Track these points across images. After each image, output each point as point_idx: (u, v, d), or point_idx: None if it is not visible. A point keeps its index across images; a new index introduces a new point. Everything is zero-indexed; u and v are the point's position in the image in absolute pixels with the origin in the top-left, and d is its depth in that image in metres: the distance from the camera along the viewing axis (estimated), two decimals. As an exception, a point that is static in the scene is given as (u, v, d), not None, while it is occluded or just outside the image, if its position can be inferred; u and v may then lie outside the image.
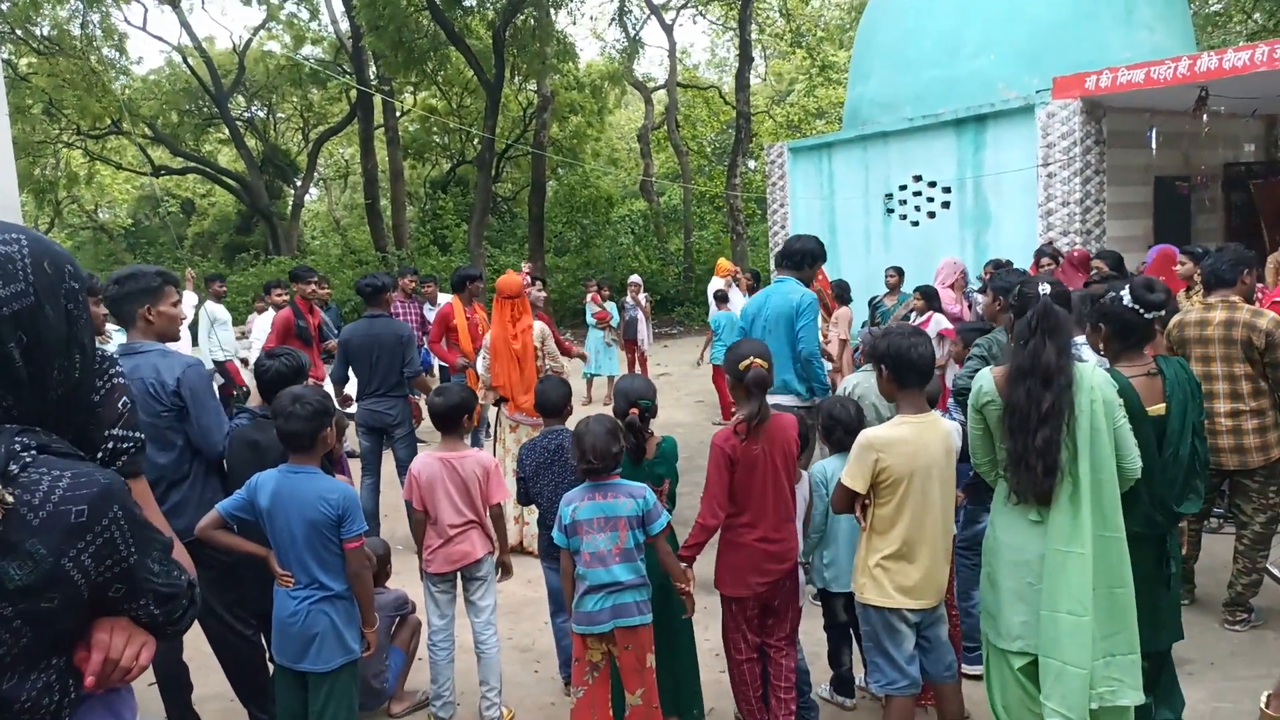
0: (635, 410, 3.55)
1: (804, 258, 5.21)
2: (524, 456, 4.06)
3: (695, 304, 20.86)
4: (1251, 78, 8.07)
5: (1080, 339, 4.52)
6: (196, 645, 3.84)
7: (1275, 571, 4.75)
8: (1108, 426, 2.84)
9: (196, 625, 3.74)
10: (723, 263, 11.24)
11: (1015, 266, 8.33)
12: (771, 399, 4.07)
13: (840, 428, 3.86)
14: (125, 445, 1.60)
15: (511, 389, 6.03)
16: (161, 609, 1.49)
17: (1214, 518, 5.55)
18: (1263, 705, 3.00)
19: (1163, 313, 3.24)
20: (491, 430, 6.69)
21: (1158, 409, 3.19)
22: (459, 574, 3.93)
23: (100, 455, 1.56)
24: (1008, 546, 2.93)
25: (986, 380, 2.96)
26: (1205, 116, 8.78)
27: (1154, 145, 9.16)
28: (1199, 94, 8.57)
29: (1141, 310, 3.18)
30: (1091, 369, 2.91)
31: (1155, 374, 3.24)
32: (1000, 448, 2.94)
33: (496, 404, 6.29)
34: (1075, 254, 8.14)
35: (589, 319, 11.70)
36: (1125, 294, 3.21)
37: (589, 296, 11.91)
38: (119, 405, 1.59)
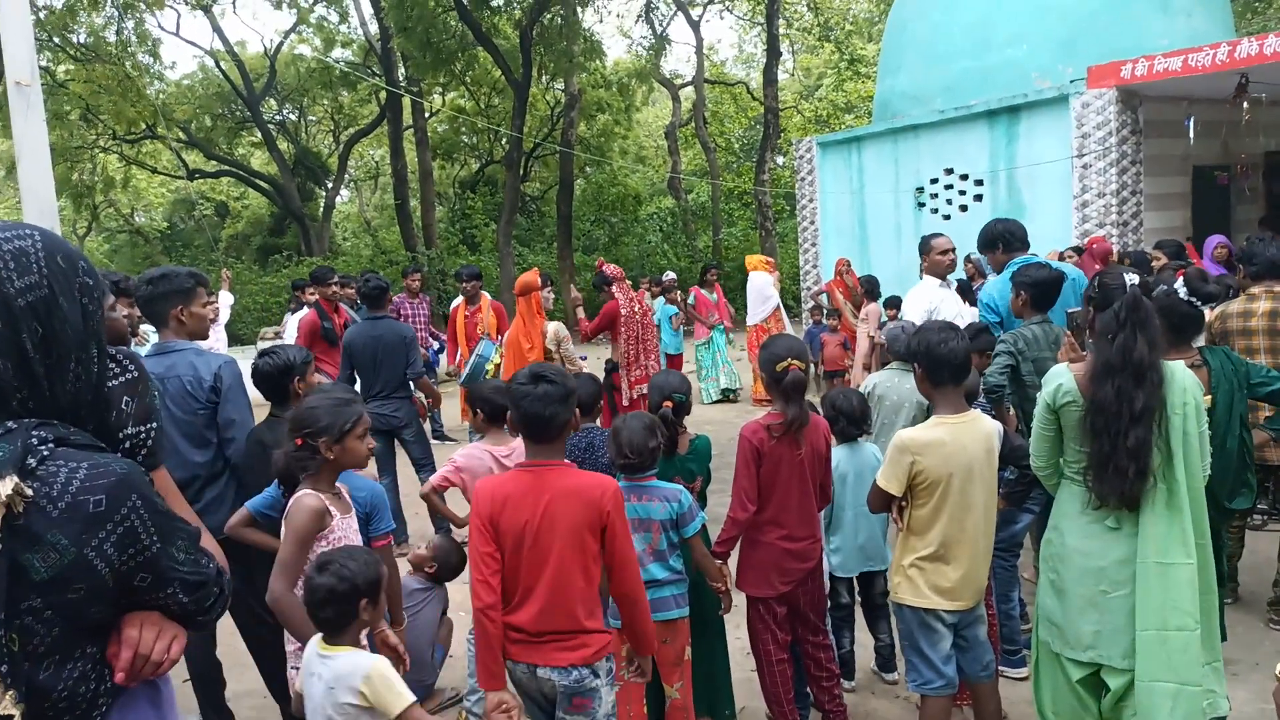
0: (669, 404, 3.54)
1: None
2: None
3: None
4: (1294, 63, 7.89)
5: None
6: (230, 643, 3.88)
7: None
8: (1196, 430, 2.72)
9: (230, 622, 3.79)
10: (758, 259, 11.18)
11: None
12: None
13: (844, 418, 3.87)
14: (141, 437, 1.60)
15: None
16: (190, 597, 1.49)
17: (1258, 514, 5.41)
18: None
19: (1215, 304, 3.18)
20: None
21: (1204, 401, 3.12)
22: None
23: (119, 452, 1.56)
24: (1079, 553, 2.80)
25: (1067, 379, 2.81)
26: (1245, 104, 8.59)
27: (1192, 134, 8.98)
28: (1239, 81, 8.38)
29: (1198, 302, 3.13)
30: (1182, 368, 2.78)
31: (1200, 365, 3.17)
32: (1076, 449, 2.81)
33: None
34: (1096, 246, 7.94)
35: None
36: (1180, 287, 3.13)
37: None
38: (122, 404, 1.59)
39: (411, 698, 2.42)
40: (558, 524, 2.51)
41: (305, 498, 2.79)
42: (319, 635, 2.55)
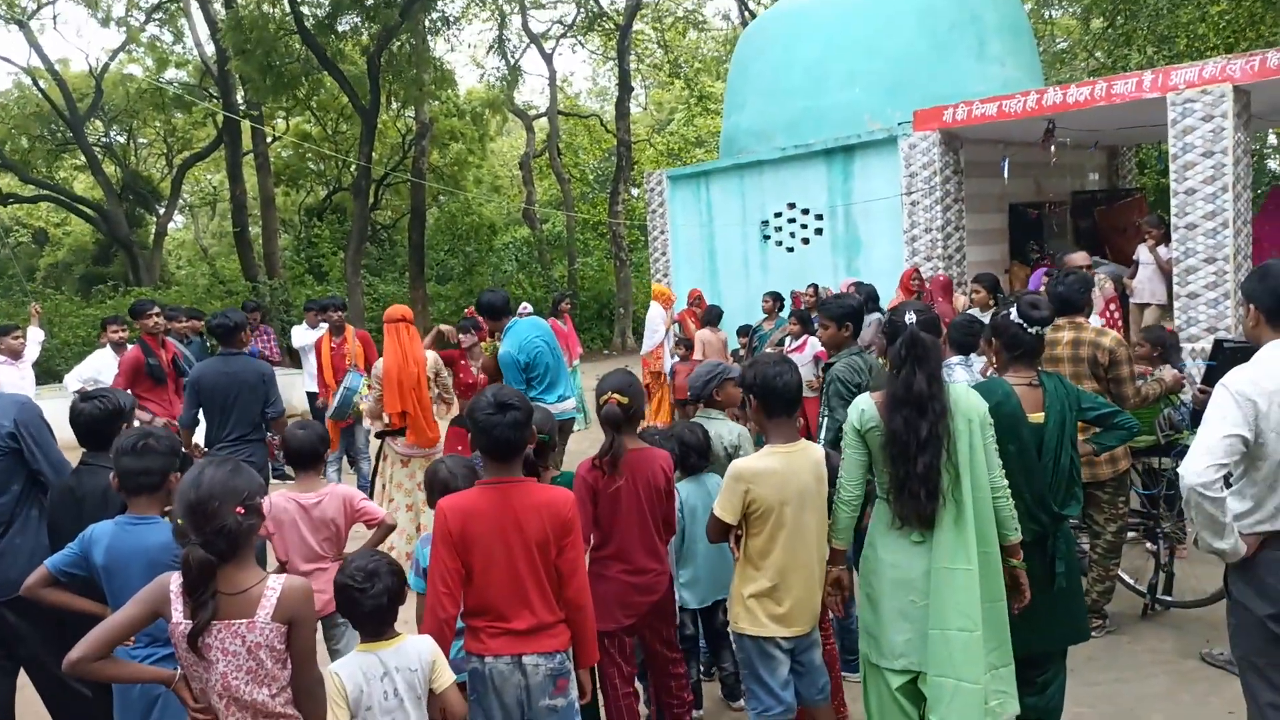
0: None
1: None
2: None
3: (580, 330, 20.80)
4: (1093, 111, 8.63)
5: (955, 359, 4.69)
6: (35, 708, 3.57)
7: (1127, 578, 5.00)
8: (981, 444, 2.94)
9: (29, 685, 3.48)
10: (656, 289, 11.09)
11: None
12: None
13: (693, 453, 3.91)
14: None
15: (413, 419, 5.87)
16: None
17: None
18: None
19: (1046, 329, 3.44)
20: (373, 464, 6.51)
21: (1037, 417, 3.34)
22: (319, 622, 3.76)
23: None
24: (889, 565, 2.97)
25: (869, 405, 3.00)
26: (1053, 147, 9.33)
27: (1006, 174, 9.66)
28: (1047, 126, 9.09)
29: (1026, 325, 3.37)
30: (965, 390, 3.00)
31: (1036, 385, 3.40)
32: (882, 471, 2.99)
33: (380, 436, 6.12)
34: (940, 279, 8.52)
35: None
36: (1013, 312, 3.39)
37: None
38: None
39: (452, 675, 2.63)
40: (529, 534, 2.75)
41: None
42: (362, 646, 2.58)
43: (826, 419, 4.32)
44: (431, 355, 6.15)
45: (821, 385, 4.73)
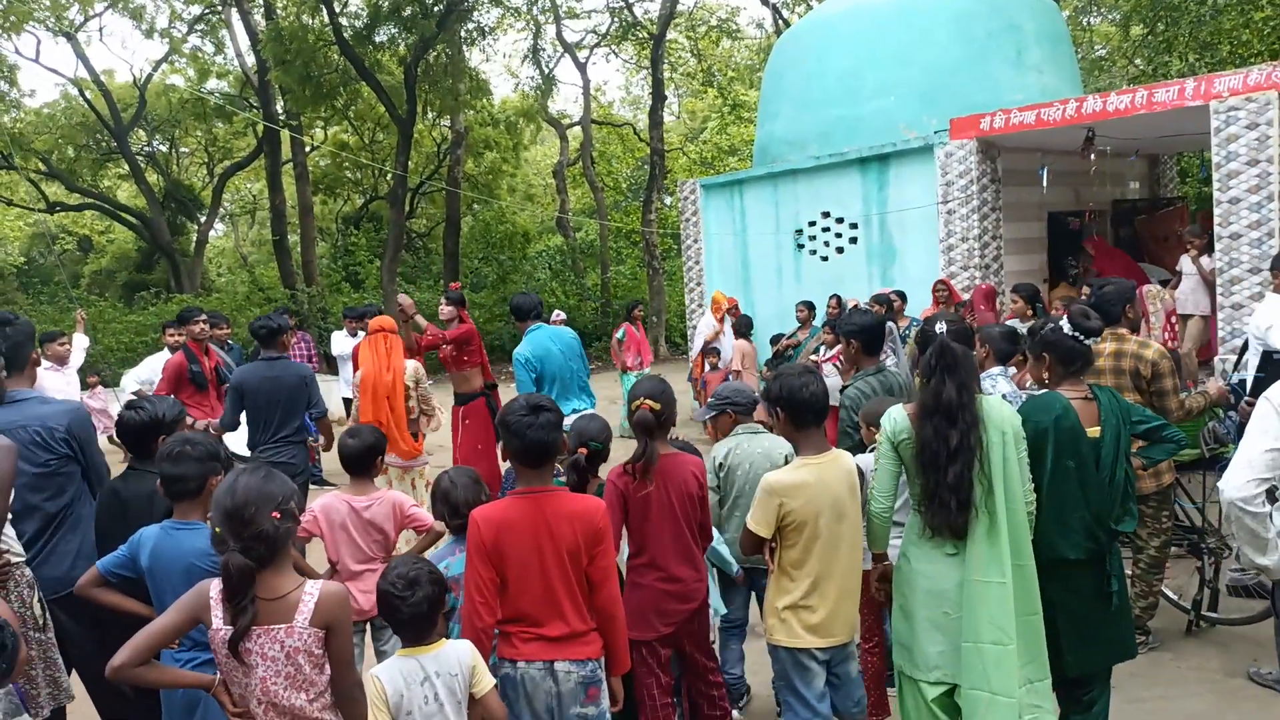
0: (584, 450, 3.48)
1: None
2: None
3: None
4: (1133, 120, 8.51)
5: (996, 370, 4.56)
6: (85, 714, 3.63)
7: (1170, 594, 4.91)
8: (1015, 457, 2.92)
9: (83, 691, 3.55)
10: (715, 295, 11.06)
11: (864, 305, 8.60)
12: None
13: None
14: None
15: (386, 428, 5.89)
16: None
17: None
18: None
19: (1096, 339, 3.37)
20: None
21: (1093, 431, 3.29)
22: (368, 624, 3.82)
23: None
24: (923, 576, 2.96)
25: (901, 416, 2.99)
26: (1093, 155, 9.21)
27: (1045, 183, 9.55)
28: (1086, 134, 8.98)
29: (1082, 337, 3.31)
30: (998, 402, 2.97)
31: (1091, 399, 3.35)
32: (915, 482, 2.97)
33: None
34: (982, 288, 8.45)
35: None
36: (1065, 324, 3.33)
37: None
38: None
39: (492, 679, 2.62)
40: (561, 543, 2.76)
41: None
42: (403, 651, 2.57)
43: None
44: (412, 364, 6.14)
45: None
